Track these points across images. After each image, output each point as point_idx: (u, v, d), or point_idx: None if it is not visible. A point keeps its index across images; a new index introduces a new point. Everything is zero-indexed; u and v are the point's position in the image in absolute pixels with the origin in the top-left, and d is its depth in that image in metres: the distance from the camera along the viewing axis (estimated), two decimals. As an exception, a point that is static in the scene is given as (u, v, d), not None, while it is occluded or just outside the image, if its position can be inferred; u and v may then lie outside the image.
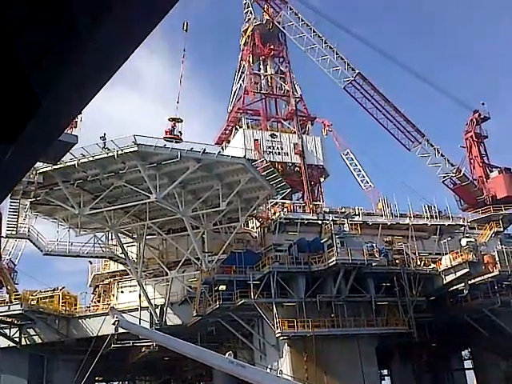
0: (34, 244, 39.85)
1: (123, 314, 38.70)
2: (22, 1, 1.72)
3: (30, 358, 42.10)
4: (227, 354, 13.76)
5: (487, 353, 44.15)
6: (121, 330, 39.16)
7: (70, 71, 1.88)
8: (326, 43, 55.05)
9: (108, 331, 41.40)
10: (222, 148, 46.20)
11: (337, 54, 54.96)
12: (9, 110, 1.89)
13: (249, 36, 63.48)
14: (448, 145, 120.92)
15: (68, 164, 33.35)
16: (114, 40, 1.84)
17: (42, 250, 39.81)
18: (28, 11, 1.74)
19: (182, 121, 41.81)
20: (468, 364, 55.64)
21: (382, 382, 45.44)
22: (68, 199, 35.73)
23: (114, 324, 15.46)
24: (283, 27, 59.05)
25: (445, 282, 40.97)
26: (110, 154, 33.26)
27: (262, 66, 64.20)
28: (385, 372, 53.96)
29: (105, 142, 33.56)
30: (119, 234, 40.47)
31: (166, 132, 39.33)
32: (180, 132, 40.22)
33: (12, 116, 1.91)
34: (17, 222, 38.05)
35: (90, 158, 33.55)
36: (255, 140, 53.98)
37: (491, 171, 55.36)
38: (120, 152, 33.16)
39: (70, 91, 2.00)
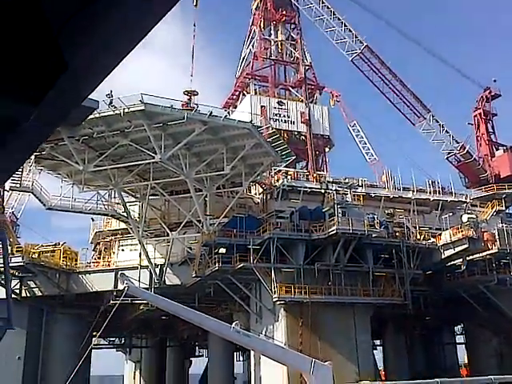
0: (37, 198, 40.09)
1: (123, 272, 39.36)
2: None
3: (30, 309, 42.72)
4: (234, 323, 13.97)
5: (480, 329, 44.80)
6: (119, 287, 39.97)
7: (96, 37, 1.88)
8: (334, 14, 54.21)
9: (107, 287, 42.12)
10: (229, 112, 45.92)
11: (345, 25, 54.18)
12: (36, 72, 1.89)
13: (261, 0, 62.42)
14: (457, 121, 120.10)
15: (74, 119, 33.21)
16: (140, 8, 1.83)
17: (45, 205, 40.06)
18: None
19: (197, 93, 42.30)
20: (460, 339, 56.63)
21: (374, 351, 46.00)
22: (73, 155, 35.71)
23: (123, 290, 15.78)
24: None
25: (443, 257, 41.28)
26: (117, 112, 33.06)
27: (272, 32, 63.32)
28: (377, 342, 54.87)
29: (111, 100, 33.33)
30: (122, 193, 40.63)
31: (183, 105, 39.33)
32: (196, 104, 40.34)
33: (39, 78, 1.91)
34: (21, 175, 38.21)
35: (96, 115, 33.33)
36: (262, 106, 53.64)
37: (497, 149, 55.13)
38: (126, 110, 32.94)
39: (95, 58, 2.00)
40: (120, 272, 20.78)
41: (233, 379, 48.90)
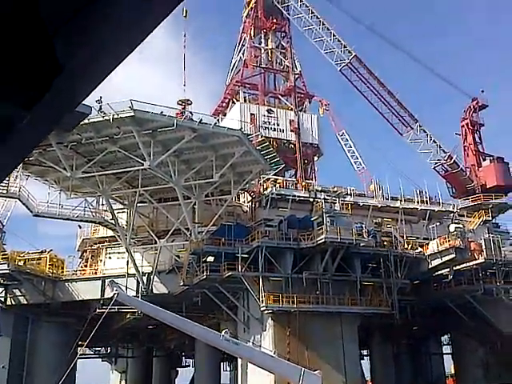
0: (24, 204, 39.72)
1: (112, 279, 39.05)
2: None
3: (15, 318, 42.22)
4: (223, 331, 13.85)
5: (466, 339, 44.99)
6: (106, 296, 39.61)
7: (96, 36, 1.84)
8: (323, 24, 54.54)
9: (93, 296, 41.72)
10: (219, 120, 45.90)
11: (334, 35, 54.53)
12: (30, 76, 1.85)
13: (252, 8, 62.60)
14: (444, 131, 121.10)
15: (62, 126, 32.94)
16: (140, 8, 1.80)
17: (32, 211, 39.71)
18: None
19: (191, 103, 42.44)
20: (447, 349, 56.79)
21: (361, 361, 46.01)
22: (61, 161, 35.42)
23: (112, 297, 15.58)
24: (283, 5, 58.34)
25: (430, 267, 41.49)
26: (106, 118, 32.89)
27: (263, 40, 63.49)
28: (364, 352, 54.87)
29: (101, 106, 33.15)
30: (110, 200, 40.36)
31: (177, 114, 39.26)
32: (191, 112, 40.35)
33: (33, 81, 1.87)
34: (8, 181, 37.83)
35: (85, 121, 33.06)
36: (252, 114, 53.72)
37: (484, 159, 55.63)
38: (116, 116, 32.81)
39: (93, 60, 1.96)
40: (109, 279, 20.53)
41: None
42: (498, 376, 41.31)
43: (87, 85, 2.16)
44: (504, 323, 41.33)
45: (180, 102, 42.86)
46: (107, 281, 17.51)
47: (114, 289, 15.16)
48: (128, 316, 41.53)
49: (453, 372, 53.08)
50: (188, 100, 43.14)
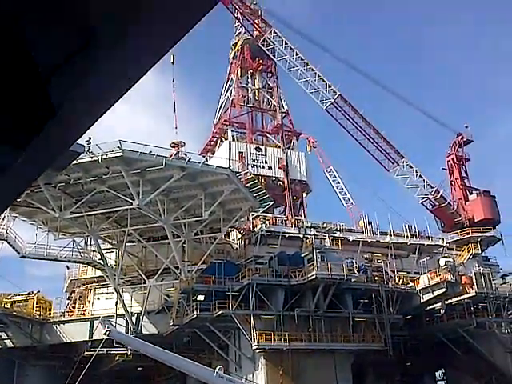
0: (11, 246, 39.31)
1: (97, 321, 38.46)
2: (37, 10, 1.74)
3: (1, 362, 41.25)
4: (217, 368, 13.64)
5: (461, 373, 44.45)
6: (95, 337, 38.94)
7: (87, 83, 1.92)
8: (308, 65, 55.67)
9: (82, 338, 40.96)
10: (207, 158, 46.24)
11: (318, 76, 55.56)
12: (24, 117, 1.92)
13: (238, 50, 63.86)
14: (431, 166, 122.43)
15: (51, 167, 32.94)
16: (135, 53, 1.87)
17: (19, 253, 39.29)
18: (43, 20, 1.76)
19: (184, 144, 43.02)
20: (442, 384, 55.92)
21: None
22: (49, 202, 35.33)
23: (105, 334, 15.32)
24: (269, 47, 59.62)
25: (422, 301, 41.38)
26: (94, 158, 33.06)
27: (249, 80, 64.54)
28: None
29: (89, 146, 33.33)
30: (98, 240, 40.10)
31: (171, 156, 39.66)
32: (185, 154, 40.90)
33: (26, 123, 1.94)
34: (-5, 222, 37.54)
35: (74, 162, 33.23)
36: (240, 152, 54.19)
37: (471, 193, 56.22)
38: (104, 156, 33.00)
39: (87, 102, 2.04)
40: (101, 317, 20.17)
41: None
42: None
43: (78, 128, 2.22)
44: (498, 357, 41.06)
45: (173, 144, 43.37)
46: (99, 319, 17.25)
47: (106, 326, 14.93)
48: (117, 358, 40.68)
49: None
50: (181, 142, 43.70)
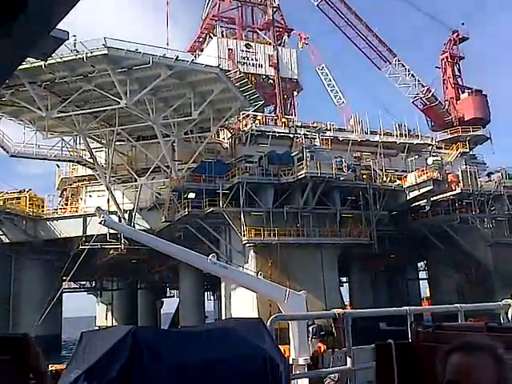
0: (-1, 145, 39.09)
1: (89, 218, 39.27)
2: None
3: (-2, 256, 42.56)
4: (210, 255, 14.27)
5: (442, 265, 46.50)
6: (89, 233, 40.01)
7: None
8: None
9: (76, 233, 42.07)
10: (195, 56, 44.91)
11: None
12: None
13: None
14: (424, 66, 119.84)
15: (35, 65, 32.01)
16: None
17: (8, 152, 39.15)
18: None
19: None
20: (423, 275, 58.89)
21: (340, 288, 47.52)
22: (35, 101, 34.65)
23: (100, 223, 15.77)
24: None
25: (408, 198, 42.40)
26: (79, 56, 32.06)
27: (239, -29, 61.22)
28: (344, 279, 56.60)
29: (75, 44, 32.22)
30: (88, 139, 39.90)
31: None
32: None
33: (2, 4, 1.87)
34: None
35: (58, 60, 32.24)
36: (229, 49, 52.68)
37: (463, 92, 55.79)
38: (89, 54, 32.00)
39: None
40: (97, 206, 20.53)
41: (204, 317, 50.10)
42: (472, 300, 43.09)
43: (61, 6, 2.17)
44: (479, 250, 42.77)
45: None
46: (95, 208, 17.65)
47: (102, 216, 15.35)
48: (111, 252, 41.99)
49: (428, 296, 55.25)
50: None
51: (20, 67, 30.86)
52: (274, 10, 58.16)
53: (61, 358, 29.91)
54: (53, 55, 32.18)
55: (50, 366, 13.38)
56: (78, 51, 31.99)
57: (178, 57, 34.21)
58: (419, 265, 58.21)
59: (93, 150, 40.30)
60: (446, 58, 56.87)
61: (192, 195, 37.48)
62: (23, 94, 34.87)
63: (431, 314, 36.09)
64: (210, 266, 14.73)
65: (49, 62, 32.03)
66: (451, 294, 43.28)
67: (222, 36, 55.38)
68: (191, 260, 16.05)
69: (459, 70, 57.88)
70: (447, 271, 45.57)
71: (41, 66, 31.77)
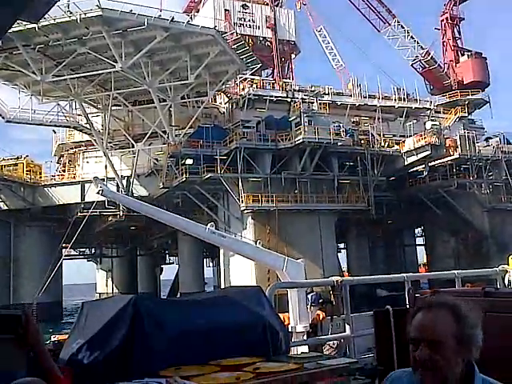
0: (-6, 110, 38.65)
1: (88, 184, 39.20)
2: None
3: (-3, 223, 42.61)
4: (208, 225, 14.24)
5: (439, 230, 46.82)
6: (87, 199, 39.97)
7: None
8: None
9: (74, 200, 42.05)
10: (191, 17, 44.04)
11: None
12: None
13: None
14: (423, 28, 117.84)
15: (28, 27, 31.38)
16: None
17: (3, 117, 38.76)
18: None
19: None
20: (420, 241, 59.30)
21: (338, 253, 47.95)
22: (29, 64, 34.13)
23: (98, 193, 15.68)
24: None
25: (406, 163, 42.36)
26: (73, 18, 31.44)
27: None
28: (341, 245, 57.04)
29: (68, 5, 31.57)
30: (84, 104, 39.46)
31: None
32: None
33: None
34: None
35: (52, 21, 31.63)
36: (226, 10, 51.71)
37: (463, 55, 55.07)
38: (83, 16, 31.37)
39: None
40: (94, 176, 20.56)
41: (203, 283, 50.65)
42: (468, 265, 43.51)
43: None
44: (475, 215, 42.99)
45: None
46: (93, 178, 17.69)
47: (99, 185, 15.27)
48: (110, 218, 42.10)
49: (425, 261, 55.78)
50: None
51: (13, 29, 30.30)
52: (272, -32, 56.74)
53: (62, 325, 30.30)
54: (46, 17, 31.56)
55: (52, 336, 13.55)
56: (71, 12, 31.43)
57: (173, 18, 33.56)
58: (416, 231, 58.56)
59: (89, 115, 39.90)
60: (446, 19, 55.91)
61: (189, 161, 37.33)
62: (17, 57, 34.35)
63: (428, 280, 36.50)
64: (209, 235, 14.72)
65: (42, 23, 31.48)
66: (448, 259, 43.79)
67: (219, -4, 54.19)
68: (189, 229, 16.02)
69: (459, 32, 57.02)
70: (444, 236, 45.93)
71: (34, 28, 31.22)
